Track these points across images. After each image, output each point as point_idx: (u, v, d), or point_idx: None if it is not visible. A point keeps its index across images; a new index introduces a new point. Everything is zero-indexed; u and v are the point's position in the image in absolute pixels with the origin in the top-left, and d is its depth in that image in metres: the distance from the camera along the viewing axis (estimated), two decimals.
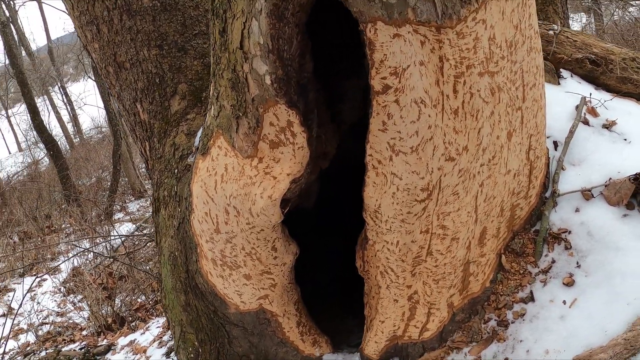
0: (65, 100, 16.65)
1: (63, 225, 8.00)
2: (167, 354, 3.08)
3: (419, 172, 1.53)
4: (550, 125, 2.04)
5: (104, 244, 5.63)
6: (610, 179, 1.90)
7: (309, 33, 1.50)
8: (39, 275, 5.46)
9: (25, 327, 4.51)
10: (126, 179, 9.95)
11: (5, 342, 3.72)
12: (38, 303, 5.01)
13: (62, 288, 5.35)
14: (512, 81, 1.56)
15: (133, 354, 3.31)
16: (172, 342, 3.08)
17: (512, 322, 1.78)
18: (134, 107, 2.42)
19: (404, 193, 1.58)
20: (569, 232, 1.84)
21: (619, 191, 1.85)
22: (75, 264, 5.56)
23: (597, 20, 9.49)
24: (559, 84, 2.36)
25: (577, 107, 2.17)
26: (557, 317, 1.70)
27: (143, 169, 9.67)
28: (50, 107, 17.11)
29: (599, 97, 2.28)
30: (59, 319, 4.70)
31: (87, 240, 6.10)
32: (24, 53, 14.73)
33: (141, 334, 3.56)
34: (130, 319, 4.07)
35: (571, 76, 2.42)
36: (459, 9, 1.30)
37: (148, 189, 9.06)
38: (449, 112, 1.44)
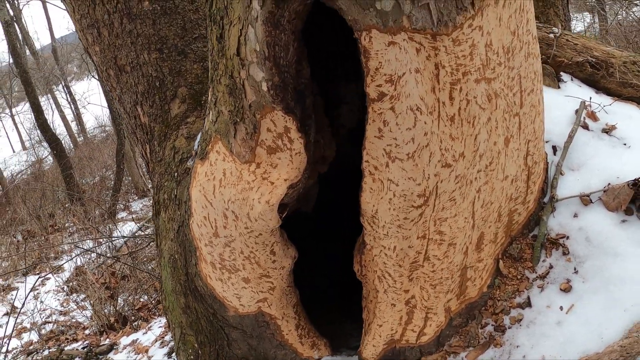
0: (69, 99, 16.72)
1: (66, 224, 8.04)
2: (169, 354, 3.10)
3: (416, 179, 1.53)
4: (549, 130, 2.03)
5: (107, 243, 5.65)
6: (609, 184, 1.89)
7: (306, 38, 1.50)
8: (42, 275, 5.49)
9: (28, 325, 4.55)
10: (130, 178, 9.99)
11: (8, 341, 3.75)
12: (41, 302, 5.05)
13: (65, 287, 5.38)
14: (509, 87, 1.56)
15: (135, 354, 3.33)
16: (173, 343, 3.10)
17: (509, 328, 1.78)
18: (134, 110, 2.43)
19: (400, 199, 1.58)
20: (567, 238, 1.84)
21: (618, 197, 1.84)
22: (79, 263, 5.59)
23: (601, 20, 9.43)
24: (559, 87, 2.35)
25: (576, 111, 2.17)
26: (554, 322, 1.70)
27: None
28: (54, 106, 17.19)
29: (599, 101, 2.27)
30: (61, 318, 4.73)
31: (91, 240, 6.14)
32: (28, 52, 14.80)
33: (143, 333, 3.58)
34: (132, 318, 4.09)
35: (571, 80, 2.41)
36: (454, 16, 1.30)
37: (151, 188, 9.08)
38: (445, 119, 1.44)
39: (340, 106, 2.46)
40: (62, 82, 16.53)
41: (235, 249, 1.86)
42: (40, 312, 4.74)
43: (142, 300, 4.39)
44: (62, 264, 5.78)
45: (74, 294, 5.20)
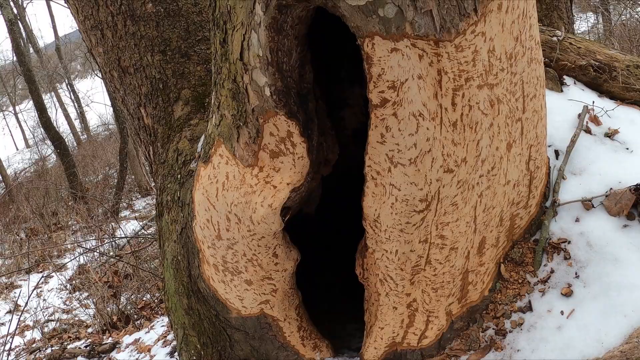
0: (72, 97, 16.75)
1: (70, 223, 8.07)
2: (171, 353, 3.11)
3: (418, 184, 1.54)
4: (551, 134, 2.03)
5: (110, 242, 5.68)
6: (611, 189, 1.89)
7: (310, 42, 1.51)
8: (45, 273, 5.52)
9: (31, 323, 4.57)
10: (133, 177, 10.02)
11: (11, 339, 3.77)
12: (44, 300, 5.08)
13: (68, 285, 5.41)
14: (512, 93, 1.56)
15: (137, 353, 3.35)
16: (175, 343, 3.11)
17: (509, 332, 1.79)
18: (138, 112, 2.44)
19: (402, 204, 1.59)
20: (569, 242, 1.84)
21: (620, 201, 1.84)
22: (82, 261, 5.61)
23: (605, 20, 9.39)
24: (561, 91, 2.35)
25: (579, 115, 2.16)
26: (554, 327, 1.70)
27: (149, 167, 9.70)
28: (57, 104, 17.25)
29: (602, 105, 2.26)
30: (64, 316, 4.75)
31: (94, 238, 6.16)
32: (31, 50, 14.85)
33: (146, 332, 3.59)
34: (135, 317, 4.11)
35: (574, 83, 2.41)
36: (457, 22, 1.30)
37: (154, 189, 9.10)
38: (447, 124, 1.45)
39: (344, 108, 2.46)
40: (66, 80, 16.58)
41: (238, 251, 1.87)
42: (43, 310, 4.77)
43: (144, 299, 4.41)
44: (66, 263, 5.81)
45: (77, 292, 5.22)
